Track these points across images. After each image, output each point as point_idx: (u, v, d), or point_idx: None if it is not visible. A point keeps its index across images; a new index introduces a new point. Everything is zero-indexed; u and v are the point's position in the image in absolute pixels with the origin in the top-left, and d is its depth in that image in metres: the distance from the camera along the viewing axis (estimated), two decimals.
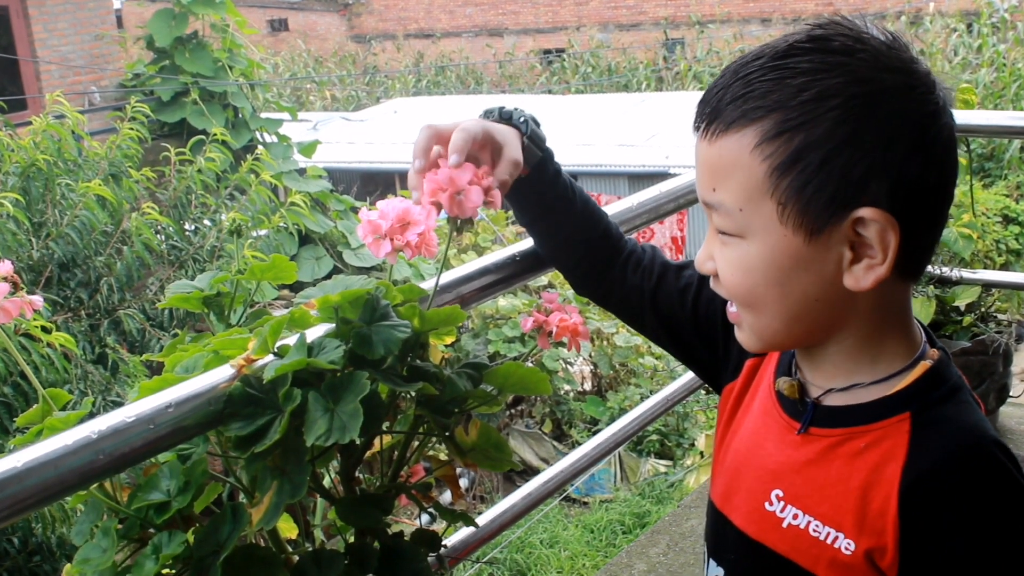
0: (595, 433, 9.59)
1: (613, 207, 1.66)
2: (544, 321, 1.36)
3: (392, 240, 1.31)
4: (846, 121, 1.03)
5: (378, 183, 16.27)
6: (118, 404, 6.12)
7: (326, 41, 29.02)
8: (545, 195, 1.41)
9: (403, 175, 16.58)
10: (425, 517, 1.40)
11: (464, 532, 1.52)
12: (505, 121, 1.37)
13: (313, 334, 1.16)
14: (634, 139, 17.33)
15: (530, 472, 9.81)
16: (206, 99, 11.65)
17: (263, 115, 12.16)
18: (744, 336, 1.17)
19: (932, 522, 1.04)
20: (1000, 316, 3.01)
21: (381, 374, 1.12)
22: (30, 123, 6.98)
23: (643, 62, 23.85)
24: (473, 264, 1.44)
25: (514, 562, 8.29)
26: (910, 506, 1.05)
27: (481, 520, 1.57)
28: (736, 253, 1.10)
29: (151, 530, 1.17)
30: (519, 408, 10.12)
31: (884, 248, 1.05)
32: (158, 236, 7.06)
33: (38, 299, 1.29)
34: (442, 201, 1.24)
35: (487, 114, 1.39)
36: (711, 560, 1.30)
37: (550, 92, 23.17)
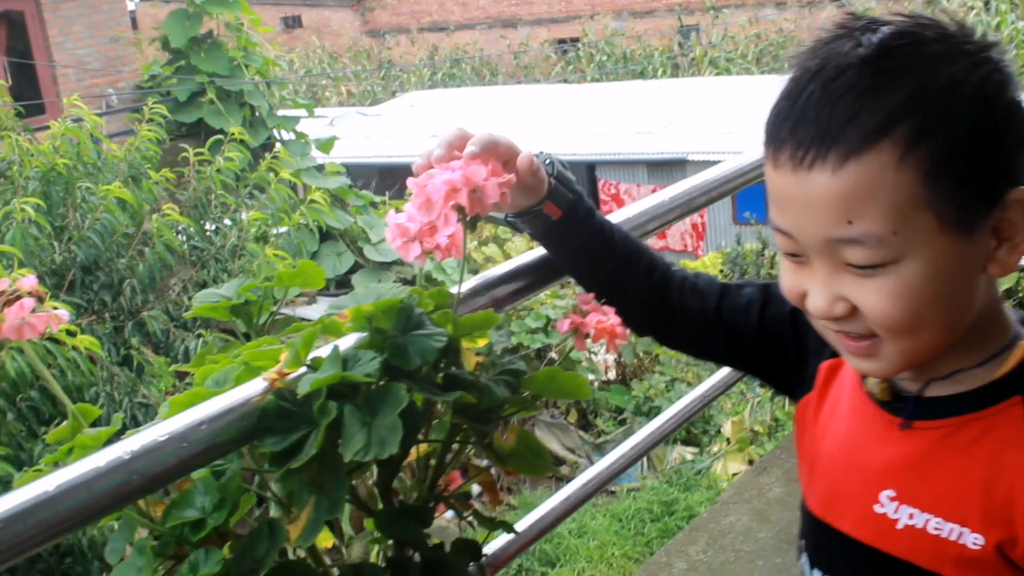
0: (621, 423, 9.54)
1: (645, 203, 1.63)
2: (581, 323, 1.33)
3: (422, 243, 1.28)
4: (985, 108, 0.99)
5: (396, 177, 16.26)
6: (145, 405, 6.14)
7: (340, 37, 29.04)
8: (581, 235, 1.37)
9: None
10: (450, 512, 1.36)
11: (503, 538, 1.49)
12: None
13: (344, 344, 1.14)
14: (651, 127, 17.28)
15: (557, 462, 9.80)
16: (223, 98, 11.66)
17: (280, 113, 12.16)
18: (881, 364, 1.07)
19: None
20: None
21: (417, 384, 1.10)
22: (48, 127, 7.00)
23: (658, 49, 23.77)
24: (507, 265, 1.41)
25: (543, 552, 8.28)
26: None
27: (520, 526, 1.54)
28: (892, 281, 1.00)
29: (186, 546, 1.15)
30: (544, 399, 10.10)
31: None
32: (179, 237, 7.08)
33: (64, 313, 1.27)
34: (460, 201, 1.21)
35: None
36: (815, 570, 1.24)
37: (565, 81, 23.13)
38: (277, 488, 1.16)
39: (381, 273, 11.53)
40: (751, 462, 10.07)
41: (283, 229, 7.94)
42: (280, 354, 1.15)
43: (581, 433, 10.34)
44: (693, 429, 10.09)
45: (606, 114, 18.09)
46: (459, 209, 1.22)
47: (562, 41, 26.31)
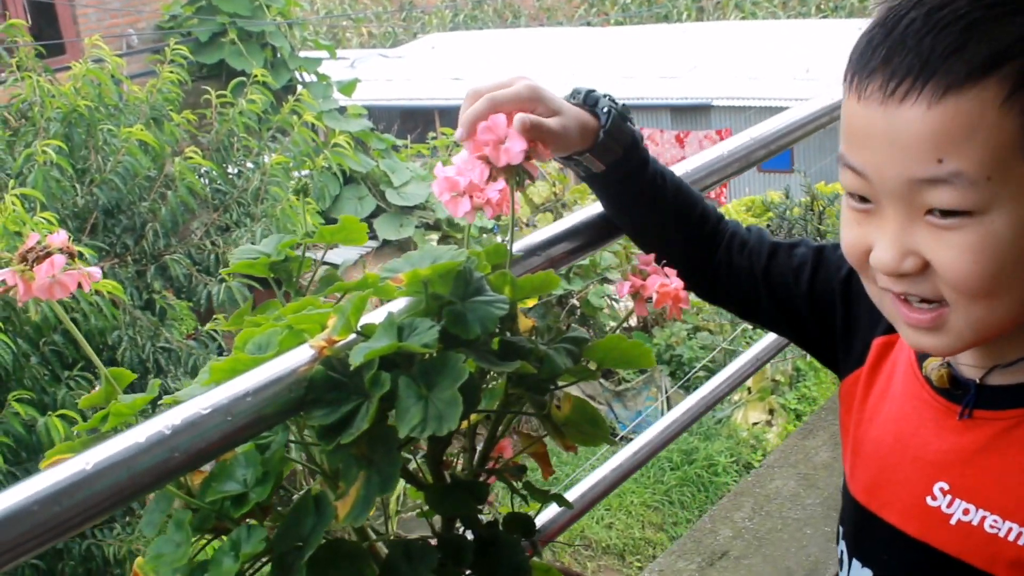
0: (642, 371, 9.47)
1: (701, 157, 1.55)
2: (641, 286, 1.25)
3: (471, 197, 1.21)
4: None
5: (418, 120, 16.15)
6: (167, 350, 6.09)
7: None
8: (627, 188, 1.29)
9: (443, 111, 16.48)
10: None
11: (553, 509, 1.43)
12: (590, 107, 1.26)
13: (396, 309, 1.06)
14: (676, 71, 17.08)
15: None
16: (244, 39, 11.52)
17: (301, 54, 12.02)
18: (945, 339, 0.97)
19: None
20: None
21: (475, 353, 1.02)
22: (69, 68, 6.91)
23: None
24: (563, 223, 1.33)
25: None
26: None
27: (572, 496, 1.48)
28: (974, 235, 0.91)
29: (226, 521, 1.09)
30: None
31: None
32: (201, 180, 7.01)
33: (96, 271, 1.20)
34: (487, 154, 1.14)
35: (574, 94, 1.27)
36: (853, 560, 1.17)
37: (589, 24, 22.86)
38: (322, 459, 1.10)
39: (403, 217, 11.46)
40: (772, 411, 10.04)
41: (305, 172, 7.87)
42: (326, 319, 1.08)
43: (602, 381, 10.30)
44: None
45: (630, 58, 17.89)
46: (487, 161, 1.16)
47: None
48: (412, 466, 1.18)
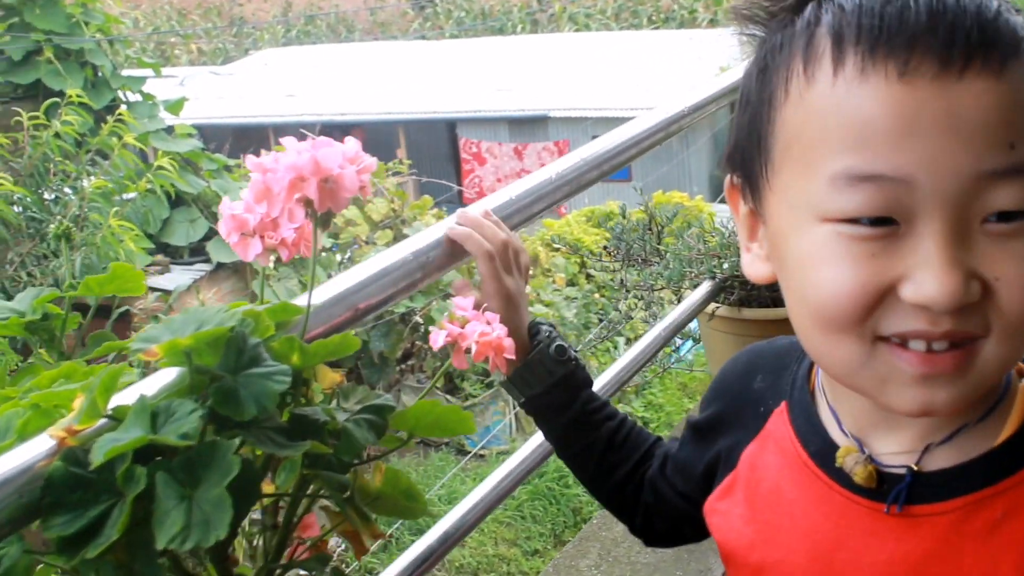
0: (488, 386, 9.38)
1: (528, 181, 1.41)
2: (459, 336, 1.09)
3: (263, 238, 1.04)
4: None
5: (251, 138, 15.74)
6: None
7: None
8: (557, 416, 1.29)
9: (277, 128, 16.11)
10: None
11: None
12: (530, 331, 1.30)
13: (156, 386, 0.88)
14: (512, 84, 17.11)
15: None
16: (62, 58, 10.96)
17: (125, 73, 11.52)
18: (966, 387, 0.77)
19: None
20: None
21: (253, 435, 0.85)
22: None
23: (517, 5, 23.52)
24: (369, 266, 1.16)
25: (413, 521, 8.08)
26: None
27: (394, 570, 1.30)
28: None
29: None
30: (409, 363, 9.85)
31: None
32: (14, 208, 6.60)
33: None
34: (308, 193, 0.97)
35: (532, 324, 1.31)
36: None
37: (424, 38, 22.75)
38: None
39: None
40: None
41: (130, 196, 7.51)
42: (75, 401, 0.89)
43: (448, 397, 10.14)
44: None
45: (466, 71, 17.86)
46: (307, 203, 0.99)
47: None
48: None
